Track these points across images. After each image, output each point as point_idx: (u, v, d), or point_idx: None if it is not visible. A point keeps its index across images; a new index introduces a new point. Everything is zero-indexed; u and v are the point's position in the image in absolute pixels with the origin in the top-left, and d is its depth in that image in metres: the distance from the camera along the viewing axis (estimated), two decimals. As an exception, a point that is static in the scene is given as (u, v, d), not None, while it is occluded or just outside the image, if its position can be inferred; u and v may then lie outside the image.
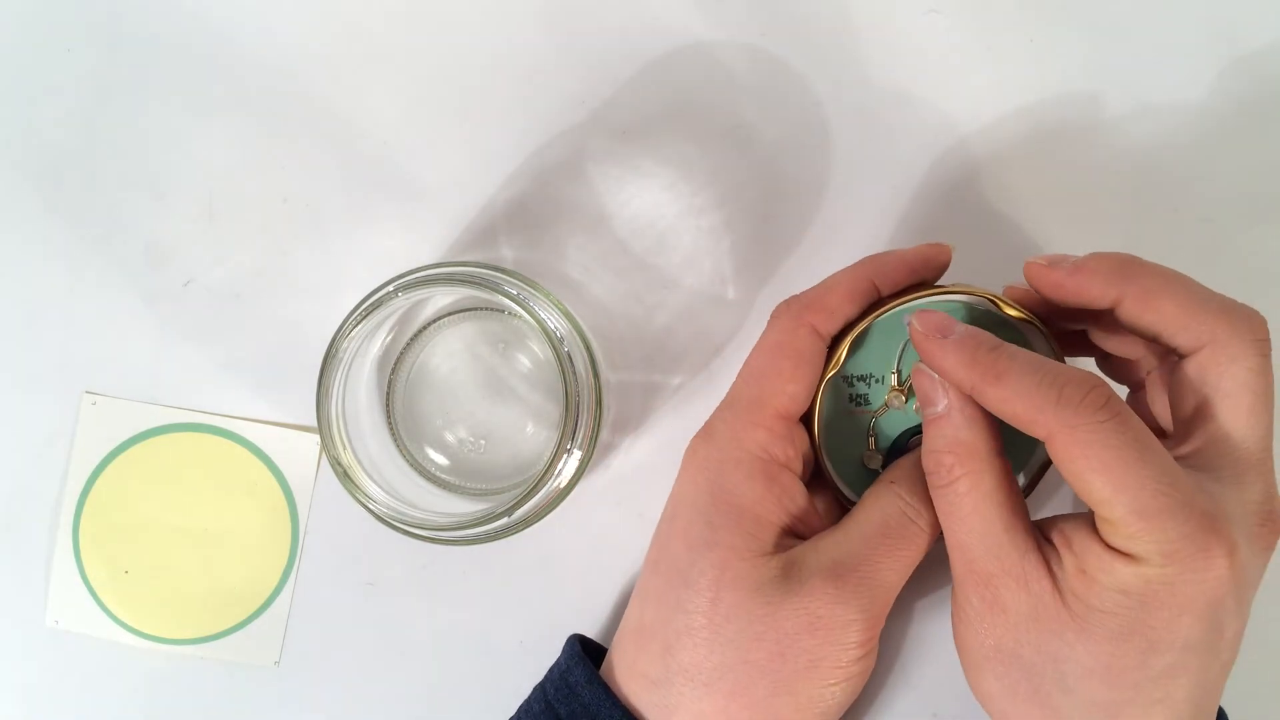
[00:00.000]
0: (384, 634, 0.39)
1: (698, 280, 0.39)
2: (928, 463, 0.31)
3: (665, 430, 0.39)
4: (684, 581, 0.31)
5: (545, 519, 0.34)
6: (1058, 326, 0.33)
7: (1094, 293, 0.31)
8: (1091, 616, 0.28)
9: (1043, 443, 0.28)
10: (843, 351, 0.33)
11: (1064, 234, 0.39)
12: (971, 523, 0.29)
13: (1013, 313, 0.32)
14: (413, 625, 0.39)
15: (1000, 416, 0.29)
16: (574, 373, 0.33)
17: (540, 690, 0.34)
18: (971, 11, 0.40)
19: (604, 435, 0.39)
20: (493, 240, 0.40)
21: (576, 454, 0.33)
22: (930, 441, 0.30)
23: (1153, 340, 0.31)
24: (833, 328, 0.33)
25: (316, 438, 0.39)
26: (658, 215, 0.40)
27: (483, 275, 0.33)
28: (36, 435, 0.40)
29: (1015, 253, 0.39)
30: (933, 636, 0.38)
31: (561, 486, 0.33)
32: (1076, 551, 0.29)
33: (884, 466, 0.34)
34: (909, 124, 0.40)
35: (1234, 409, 0.29)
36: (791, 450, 0.32)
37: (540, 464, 0.33)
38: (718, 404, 0.34)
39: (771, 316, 0.33)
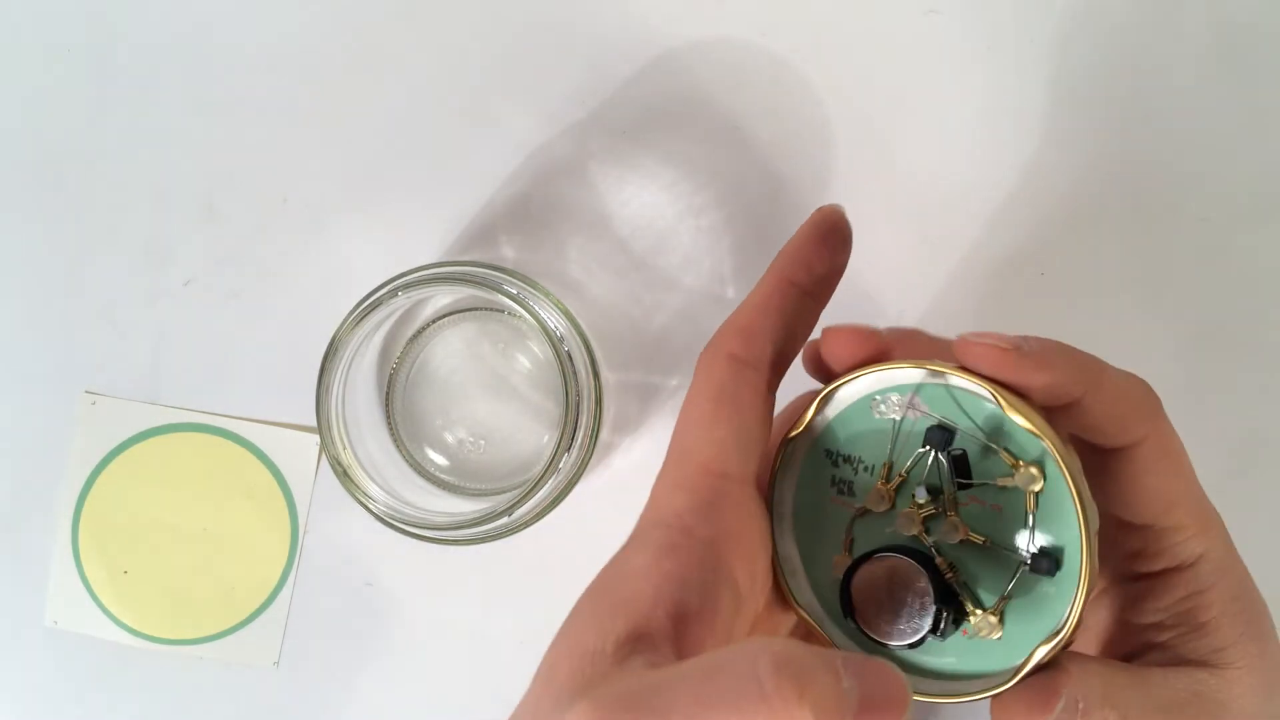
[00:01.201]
0: (384, 634, 0.39)
1: (697, 280, 0.39)
2: None
3: (665, 430, 0.39)
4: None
5: (545, 519, 0.34)
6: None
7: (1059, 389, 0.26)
8: (1241, 650, 0.26)
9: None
10: (811, 410, 0.26)
11: (1064, 233, 0.39)
12: None
13: (1019, 419, 0.24)
14: (412, 625, 0.39)
15: (1094, 424, 0.26)
16: (573, 372, 0.33)
17: None
18: (971, 11, 0.40)
19: (604, 435, 0.39)
20: (493, 240, 0.40)
21: (576, 454, 0.33)
22: None
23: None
24: (756, 350, 0.26)
25: (316, 438, 0.39)
26: (657, 215, 0.40)
27: (482, 275, 0.33)
28: (36, 435, 0.40)
29: (1015, 252, 0.39)
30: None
31: (561, 486, 0.33)
32: (1174, 621, 0.27)
33: None
34: (909, 123, 0.40)
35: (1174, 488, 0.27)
36: (724, 524, 0.24)
37: (540, 464, 0.33)
38: None
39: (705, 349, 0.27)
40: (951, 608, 0.24)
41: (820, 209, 0.29)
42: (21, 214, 0.40)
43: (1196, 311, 0.39)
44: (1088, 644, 0.30)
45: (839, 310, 0.40)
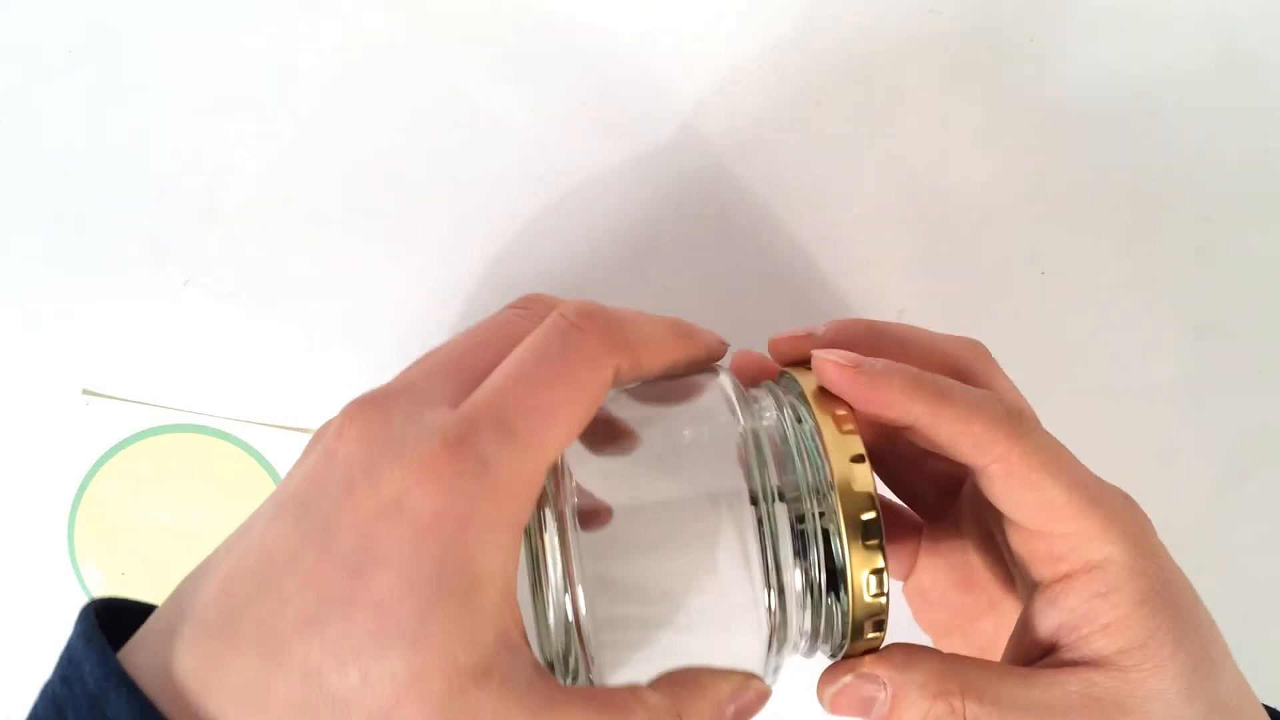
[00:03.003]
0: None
1: (696, 281, 0.39)
2: None
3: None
4: (359, 676, 0.21)
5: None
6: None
7: (898, 410, 0.27)
8: (1149, 653, 0.27)
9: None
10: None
11: (1063, 233, 0.40)
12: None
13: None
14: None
15: (945, 442, 0.27)
16: None
17: (49, 691, 0.24)
18: (971, 11, 0.40)
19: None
20: (492, 240, 0.40)
21: None
22: None
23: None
24: (628, 376, 0.26)
25: (316, 438, 0.39)
26: (658, 216, 0.40)
27: None
28: (34, 435, 0.40)
29: (1015, 252, 0.40)
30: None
31: None
32: (1077, 622, 0.27)
33: None
34: (909, 123, 0.40)
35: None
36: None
37: None
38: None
39: (579, 316, 0.25)
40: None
41: (720, 343, 0.29)
42: (22, 214, 0.40)
43: (1196, 311, 0.40)
44: (996, 653, 0.31)
45: (841, 308, 0.40)
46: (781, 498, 0.26)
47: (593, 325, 0.25)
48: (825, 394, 0.27)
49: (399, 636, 0.21)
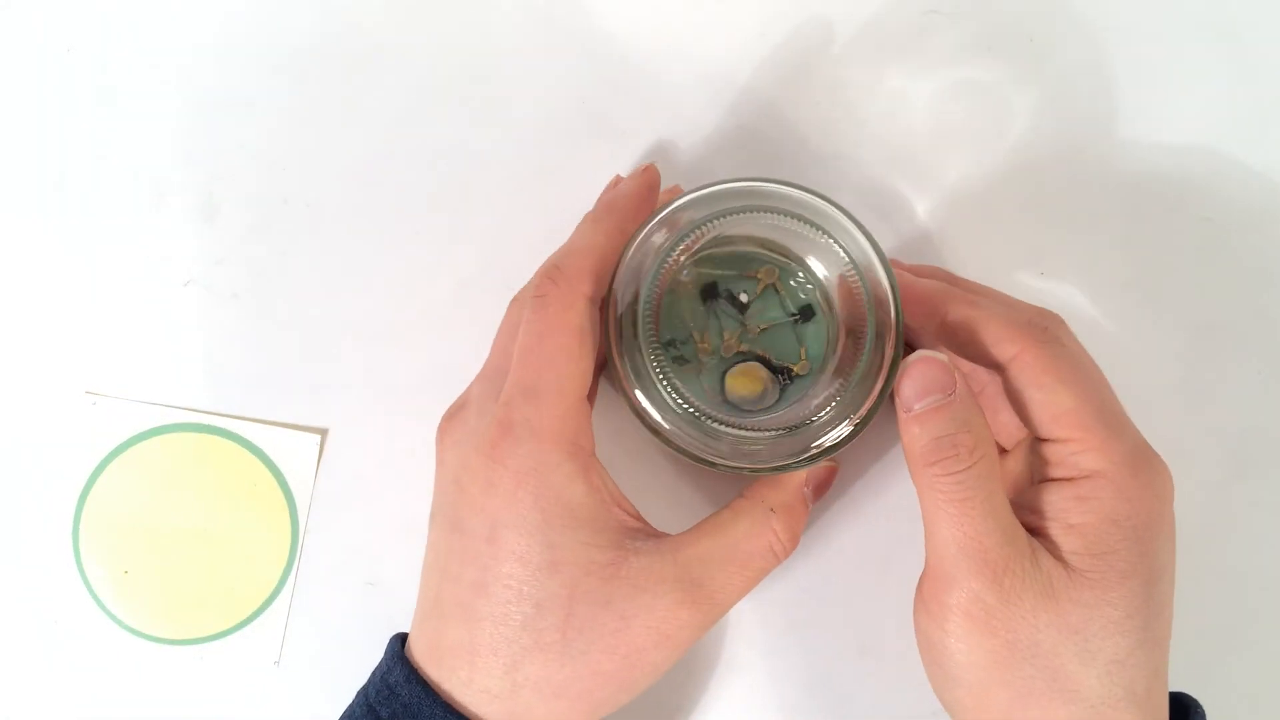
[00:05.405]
0: (384, 634, 0.39)
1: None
2: (936, 449, 0.29)
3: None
4: (531, 603, 0.30)
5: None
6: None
7: (947, 317, 0.33)
8: (1098, 565, 0.29)
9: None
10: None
11: (1063, 232, 0.39)
12: (989, 507, 0.29)
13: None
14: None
15: (966, 342, 0.31)
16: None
17: (362, 695, 0.33)
18: (971, 11, 0.40)
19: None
20: (493, 239, 0.40)
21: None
22: (941, 426, 0.29)
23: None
24: (601, 289, 0.32)
25: (317, 437, 0.39)
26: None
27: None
28: (37, 435, 0.40)
29: (1015, 253, 0.40)
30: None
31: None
32: (1051, 514, 0.30)
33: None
34: (909, 124, 0.40)
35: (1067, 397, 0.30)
36: (588, 429, 0.31)
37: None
38: (473, 386, 0.34)
39: (539, 286, 0.31)
40: (779, 372, 0.35)
41: (644, 169, 0.35)
42: (22, 214, 0.40)
43: (1196, 311, 0.39)
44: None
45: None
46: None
47: (548, 281, 0.31)
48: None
49: (541, 568, 0.30)
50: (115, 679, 0.40)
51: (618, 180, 0.37)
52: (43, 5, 0.41)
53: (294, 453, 0.39)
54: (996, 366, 0.31)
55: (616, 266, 0.32)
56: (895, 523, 0.39)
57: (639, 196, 0.34)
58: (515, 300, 0.35)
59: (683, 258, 0.33)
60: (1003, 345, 0.31)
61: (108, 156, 0.40)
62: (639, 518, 0.32)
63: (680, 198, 0.33)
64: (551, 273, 0.31)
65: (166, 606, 0.39)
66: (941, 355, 0.30)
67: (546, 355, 0.30)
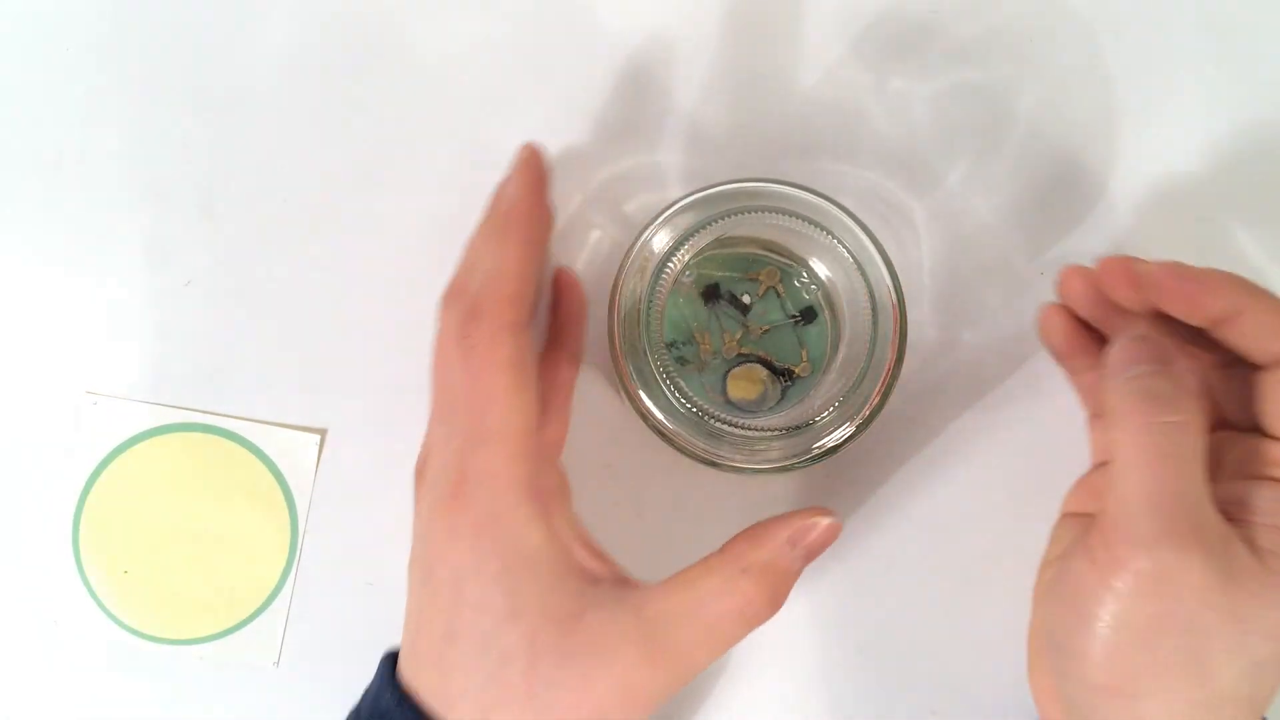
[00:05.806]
0: (384, 634, 0.39)
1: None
2: (1149, 398, 0.29)
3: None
4: (496, 653, 0.29)
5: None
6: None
7: (1216, 306, 0.31)
8: None
9: None
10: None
11: (1062, 232, 0.39)
12: (1189, 470, 0.28)
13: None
14: (413, 625, 0.39)
15: (1249, 331, 0.31)
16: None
17: (354, 715, 0.33)
18: (972, 11, 0.40)
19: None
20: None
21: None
22: (1157, 385, 0.29)
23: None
24: (526, 312, 0.30)
25: (316, 437, 0.39)
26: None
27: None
28: (36, 435, 0.40)
29: (1015, 253, 0.40)
30: (931, 636, 0.38)
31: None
32: (1259, 511, 0.29)
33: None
34: (908, 124, 0.40)
35: None
36: (549, 468, 0.31)
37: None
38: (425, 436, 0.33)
39: (462, 327, 0.30)
40: (780, 374, 0.36)
41: (524, 154, 0.33)
42: (22, 214, 0.40)
43: (1196, 311, 0.39)
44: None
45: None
46: None
47: (471, 323, 0.30)
48: None
49: (503, 617, 0.29)
50: (115, 679, 0.40)
51: (525, 154, 0.34)
52: (43, 5, 0.41)
53: (294, 453, 0.39)
54: (1250, 357, 0.31)
55: (619, 268, 0.32)
56: (896, 523, 0.39)
57: (533, 194, 0.32)
58: (440, 335, 0.33)
59: (685, 259, 0.33)
60: (1274, 345, 0.30)
61: (107, 156, 0.40)
62: (606, 559, 0.31)
63: (681, 199, 0.33)
64: (472, 313, 0.30)
65: (166, 606, 0.39)
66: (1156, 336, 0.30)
67: (485, 399, 0.29)
